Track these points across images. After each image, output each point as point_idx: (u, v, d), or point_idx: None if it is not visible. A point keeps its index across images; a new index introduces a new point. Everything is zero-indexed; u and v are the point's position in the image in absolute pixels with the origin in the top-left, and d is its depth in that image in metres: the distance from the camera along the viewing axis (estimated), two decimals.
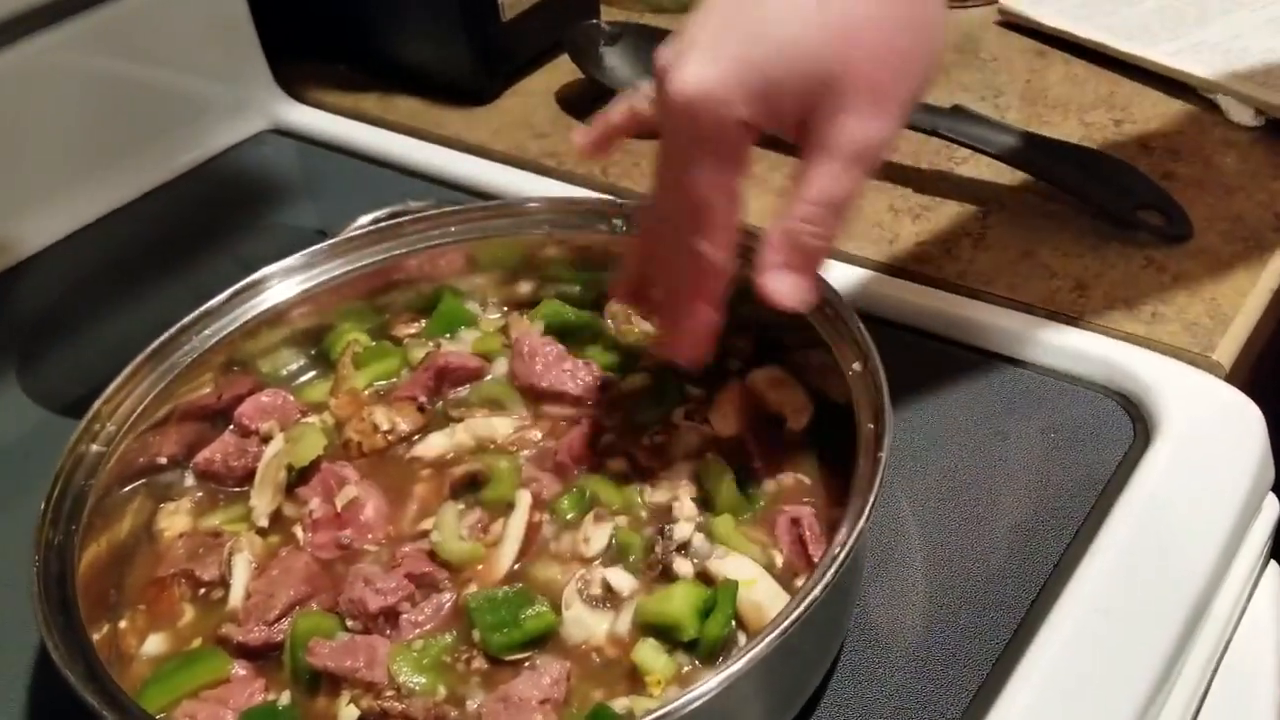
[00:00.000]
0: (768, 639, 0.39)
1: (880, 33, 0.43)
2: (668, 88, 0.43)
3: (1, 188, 0.77)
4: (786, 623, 0.40)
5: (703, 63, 0.43)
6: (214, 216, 0.83)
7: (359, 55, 0.92)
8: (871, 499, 0.42)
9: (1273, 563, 0.61)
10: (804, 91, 0.43)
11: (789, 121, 0.44)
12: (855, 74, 0.42)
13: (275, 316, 0.59)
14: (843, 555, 0.41)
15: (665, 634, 0.46)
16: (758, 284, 0.46)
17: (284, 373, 0.60)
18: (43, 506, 0.48)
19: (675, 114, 0.44)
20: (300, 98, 0.91)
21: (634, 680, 0.45)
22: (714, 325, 0.49)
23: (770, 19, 0.42)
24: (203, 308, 0.57)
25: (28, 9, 0.75)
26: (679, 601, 0.46)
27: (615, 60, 0.85)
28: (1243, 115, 0.73)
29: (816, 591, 0.40)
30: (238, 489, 0.56)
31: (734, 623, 0.46)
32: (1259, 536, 0.57)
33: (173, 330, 0.56)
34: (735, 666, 0.39)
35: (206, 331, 0.57)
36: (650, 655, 0.45)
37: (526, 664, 0.46)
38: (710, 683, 0.38)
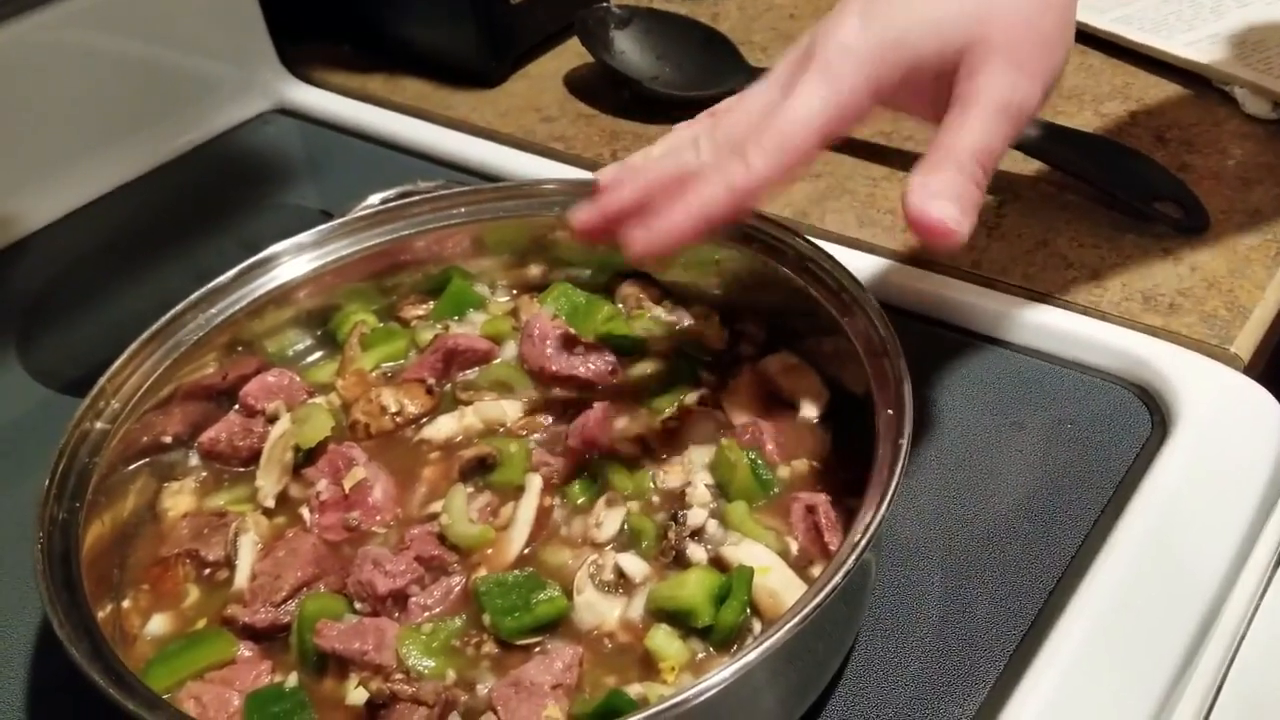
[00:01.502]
0: (786, 627, 0.39)
1: (1018, 13, 0.45)
2: (817, 40, 0.45)
3: (4, 164, 0.76)
4: (806, 610, 0.39)
5: (854, 29, 0.45)
6: (217, 196, 0.82)
7: (365, 36, 0.91)
8: (893, 486, 0.42)
9: None
10: (942, 62, 0.45)
11: (924, 96, 0.46)
12: (993, 41, 0.44)
13: (282, 296, 0.58)
14: (864, 543, 0.40)
15: (679, 620, 0.45)
16: (913, 214, 0.43)
17: (290, 353, 0.60)
18: (47, 483, 0.47)
19: (817, 58, 0.45)
20: (305, 78, 0.90)
21: (647, 667, 0.44)
22: (685, 236, 0.46)
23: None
24: (210, 285, 0.56)
25: None
26: (693, 587, 0.45)
27: (625, 44, 0.84)
28: (1259, 107, 0.73)
29: (837, 579, 0.39)
30: (242, 469, 0.55)
31: (750, 611, 0.45)
32: (1276, 528, 0.57)
33: (179, 307, 0.55)
34: (751, 655, 0.38)
35: (213, 310, 0.56)
36: (664, 641, 0.44)
37: (537, 649, 0.45)
38: (725, 671, 0.38)
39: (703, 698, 0.37)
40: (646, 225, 0.46)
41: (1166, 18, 0.81)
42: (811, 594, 0.39)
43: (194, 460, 0.56)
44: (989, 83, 0.44)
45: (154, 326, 0.54)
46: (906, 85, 0.46)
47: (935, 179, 0.43)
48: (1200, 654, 0.50)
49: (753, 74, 0.81)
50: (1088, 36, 0.83)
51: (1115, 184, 0.67)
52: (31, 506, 0.46)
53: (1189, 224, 0.65)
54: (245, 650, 0.47)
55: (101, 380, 0.52)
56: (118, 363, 0.52)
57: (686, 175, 0.47)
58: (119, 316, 0.70)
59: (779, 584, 0.45)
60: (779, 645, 0.38)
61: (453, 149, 0.81)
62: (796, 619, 0.39)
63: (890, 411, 0.46)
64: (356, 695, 0.44)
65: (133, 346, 0.53)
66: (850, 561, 0.40)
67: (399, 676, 0.44)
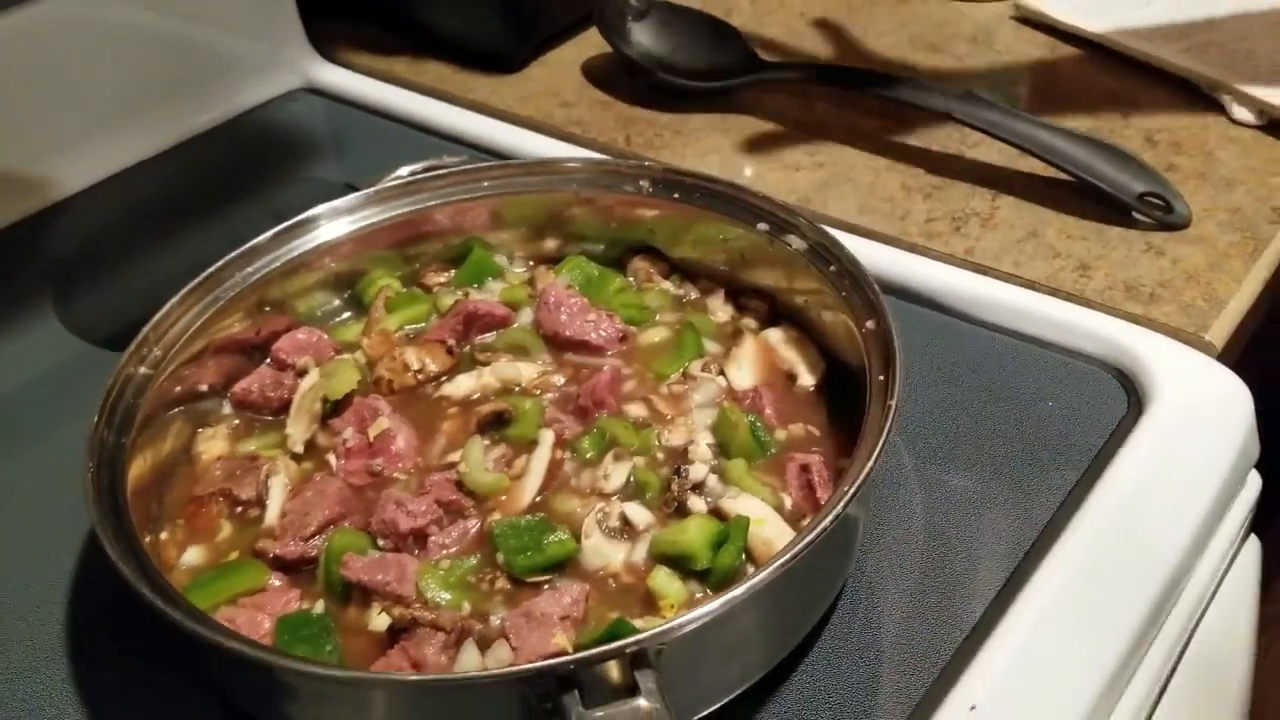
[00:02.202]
0: (773, 566, 0.42)
1: None
2: None
3: (44, 131, 0.79)
4: (793, 552, 0.42)
5: None
6: (246, 168, 0.85)
7: (392, 19, 0.95)
8: (881, 442, 0.45)
9: (1252, 536, 0.64)
10: None
11: None
12: None
13: (315, 258, 0.61)
14: (851, 493, 0.44)
15: (679, 564, 0.49)
16: None
17: (319, 313, 0.63)
18: (96, 418, 0.50)
19: None
20: (332, 58, 0.93)
21: (648, 604, 0.48)
22: None
23: None
24: (249, 244, 0.59)
25: None
26: (694, 533, 0.48)
27: (641, 35, 0.87)
28: (1245, 114, 0.76)
29: (825, 523, 0.43)
30: (272, 418, 0.58)
31: (744, 556, 0.49)
32: (1241, 508, 0.60)
33: (219, 264, 0.58)
34: (738, 590, 0.41)
35: (250, 268, 0.59)
36: (665, 581, 0.48)
37: (546, 585, 0.49)
38: (715, 603, 0.41)
39: (692, 626, 0.41)
40: None
41: (1160, 26, 0.85)
42: (799, 540, 0.43)
43: (227, 409, 0.59)
44: None
45: (195, 280, 0.57)
46: None
47: None
48: (1163, 619, 0.53)
49: (761, 67, 0.84)
50: (1084, 42, 0.86)
51: (1104, 181, 0.70)
52: (71, 448, 0.50)
53: (1172, 220, 0.68)
54: (275, 580, 0.50)
55: (145, 329, 0.55)
56: (160, 313, 0.56)
57: None
58: (152, 276, 0.73)
59: (773, 533, 0.49)
60: (765, 584, 0.42)
61: (472, 130, 0.84)
62: (782, 560, 0.42)
63: (881, 377, 0.49)
64: (379, 621, 0.47)
65: (175, 299, 0.56)
66: (838, 508, 0.43)
67: (418, 605, 0.47)
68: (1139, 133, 0.77)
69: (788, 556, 0.42)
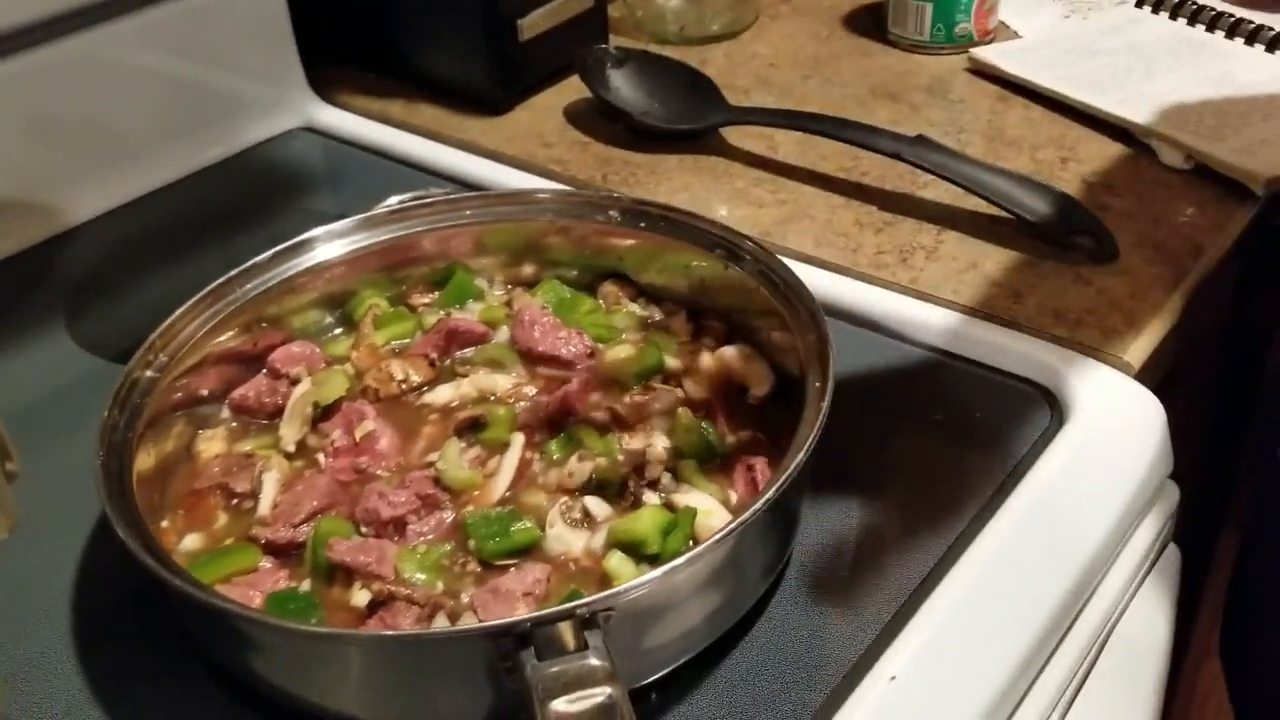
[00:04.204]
0: (710, 541, 0.47)
1: None
2: None
3: (58, 162, 0.85)
4: (728, 529, 0.47)
5: None
6: (247, 201, 0.91)
7: (388, 64, 1.01)
8: (813, 436, 0.51)
9: (1172, 544, 0.69)
10: None
11: None
12: None
13: (309, 278, 0.67)
14: (783, 479, 0.49)
15: (632, 549, 0.54)
16: None
17: (313, 328, 0.68)
18: (106, 412, 0.56)
19: None
20: (331, 100, 0.99)
21: (604, 584, 0.53)
22: None
23: None
24: (249, 263, 0.64)
25: (94, 2, 0.84)
26: (646, 521, 0.54)
27: (620, 82, 0.93)
28: (1174, 159, 0.82)
29: (758, 505, 0.48)
30: (267, 422, 0.63)
31: (691, 542, 0.54)
32: (1159, 516, 0.65)
33: (220, 280, 0.63)
34: (678, 561, 0.47)
35: (249, 285, 0.65)
36: (619, 564, 0.53)
37: (513, 567, 0.54)
38: (657, 572, 0.46)
39: (637, 593, 0.46)
40: None
41: (1101, 79, 0.91)
42: (734, 521, 0.48)
43: (225, 413, 0.64)
44: None
45: (199, 294, 0.62)
46: None
47: None
48: (1078, 609, 0.58)
49: (733, 113, 0.91)
50: (1031, 93, 0.93)
51: (1040, 218, 0.76)
52: (81, 452, 0.54)
53: (1101, 254, 0.74)
54: (266, 562, 0.55)
55: (152, 336, 0.60)
56: (167, 321, 0.61)
57: None
58: (158, 297, 0.77)
59: (718, 523, 0.54)
60: (701, 556, 0.47)
61: (461, 167, 0.90)
62: (718, 537, 0.47)
63: (818, 384, 0.55)
64: (360, 597, 0.52)
65: (181, 309, 0.61)
66: (770, 493, 0.48)
67: (396, 583, 0.52)
68: (1076, 175, 0.83)
69: (723, 533, 0.47)
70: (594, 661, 0.44)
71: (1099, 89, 0.90)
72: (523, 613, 0.50)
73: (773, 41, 1.05)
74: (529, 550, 0.55)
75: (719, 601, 0.51)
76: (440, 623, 0.51)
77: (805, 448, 0.50)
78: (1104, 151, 0.85)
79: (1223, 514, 1.04)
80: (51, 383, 0.74)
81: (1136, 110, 0.87)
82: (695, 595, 0.49)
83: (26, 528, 0.63)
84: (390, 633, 0.49)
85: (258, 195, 0.92)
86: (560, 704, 0.42)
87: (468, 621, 0.51)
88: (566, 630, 0.44)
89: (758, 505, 0.48)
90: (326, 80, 1.00)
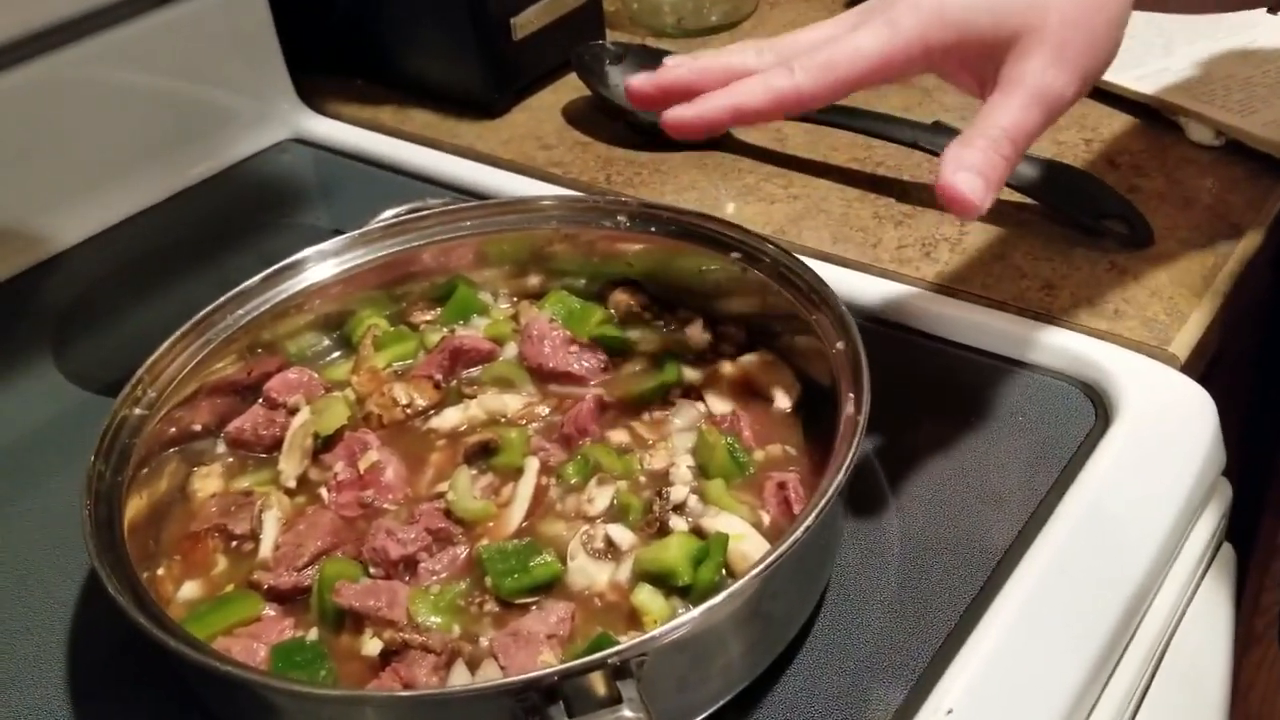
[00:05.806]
0: (750, 575, 0.44)
1: (1075, 9, 0.49)
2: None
3: (40, 186, 0.82)
4: (769, 561, 0.44)
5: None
6: (237, 217, 0.87)
7: (377, 70, 0.97)
8: (851, 454, 0.47)
9: (1226, 544, 0.66)
10: (995, 40, 0.49)
11: (970, 69, 0.51)
12: (1045, 31, 0.48)
13: (303, 300, 0.63)
14: (824, 504, 0.45)
15: (661, 580, 0.50)
16: (942, 184, 0.48)
17: (309, 353, 0.65)
18: (92, 458, 0.52)
19: (886, 9, 0.50)
20: (320, 109, 0.96)
21: (632, 621, 0.49)
22: (717, 119, 0.51)
23: None
24: (239, 288, 0.61)
25: (70, 19, 0.80)
26: (675, 550, 0.50)
27: (619, 79, 0.90)
28: (1203, 135, 0.79)
29: (799, 532, 0.44)
30: (265, 456, 0.60)
31: (724, 571, 0.50)
32: (1212, 516, 0.62)
33: (210, 308, 0.60)
34: (717, 599, 0.43)
35: (240, 311, 0.61)
36: (648, 598, 0.49)
37: (534, 606, 0.50)
38: (694, 613, 0.43)
39: (673, 636, 0.42)
40: (688, 104, 0.51)
41: (1120, 55, 0.87)
42: (775, 549, 0.45)
43: (221, 448, 0.61)
44: (1033, 69, 0.49)
45: (187, 324, 0.59)
46: (956, 53, 0.50)
47: (967, 153, 0.48)
48: (1137, 623, 0.55)
49: None
50: None
51: (1068, 204, 0.72)
52: (72, 491, 0.51)
53: (1134, 239, 0.70)
54: (270, 610, 0.52)
55: (140, 371, 0.57)
56: (154, 355, 0.57)
57: (739, 72, 0.52)
58: (148, 324, 0.74)
59: (751, 549, 0.51)
60: (742, 593, 0.43)
61: (458, 174, 0.86)
62: (758, 569, 0.44)
63: (852, 395, 0.51)
64: (371, 646, 0.49)
65: (168, 341, 0.58)
66: (810, 519, 0.45)
67: (409, 629, 0.49)
68: (1102, 157, 0.79)
69: (764, 565, 0.44)
70: (628, 714, 0.40)
71: (1119, 65, 0.85)
72: (548, 659, 0.47)
73: (774, 30, 1.01)
74: (550, 586, 0.51)
75: (758, 636, 0.48)
76: (459, 670, 0.48)
77: (844, 467, 0.47)
78: (1128, 130, 0.82)
79: (1266, 499, 1.00)
80: (39, 418, 0.71)
81: (1159, 86, 0.83)
82: (734, 633, 0.46)
83: (18, 572, 0.60)
84: (406, 693, 0.45)
85: (248, 211, 0.88)
86: None
87: (488, 669, 0.47)
88: (598, 681, 0.41)
89: (798, 533, 0.44)
90: (314, 89, 0.96)
